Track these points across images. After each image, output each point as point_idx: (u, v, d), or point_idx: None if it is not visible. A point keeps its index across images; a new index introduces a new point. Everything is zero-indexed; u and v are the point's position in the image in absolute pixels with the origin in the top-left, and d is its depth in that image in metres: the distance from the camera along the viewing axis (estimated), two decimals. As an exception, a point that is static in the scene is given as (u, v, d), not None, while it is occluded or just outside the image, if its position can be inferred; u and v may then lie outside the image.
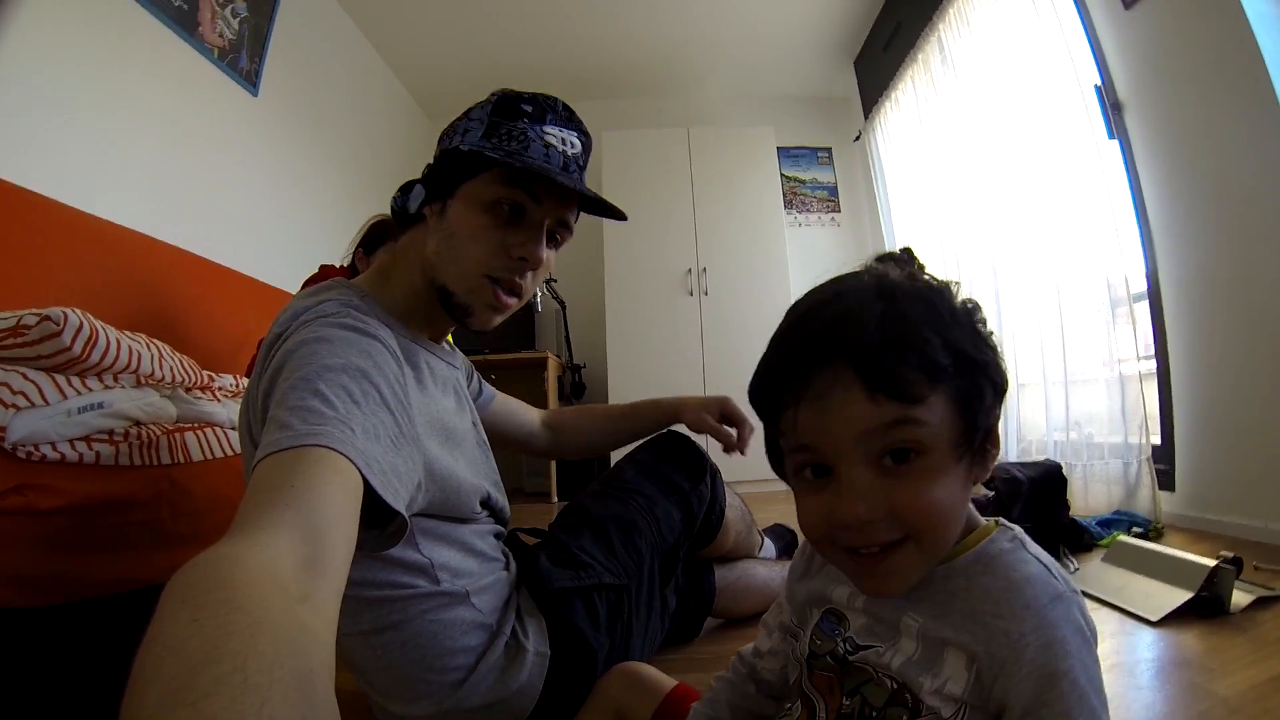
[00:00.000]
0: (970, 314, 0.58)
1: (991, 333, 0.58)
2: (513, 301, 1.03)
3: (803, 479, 0.59)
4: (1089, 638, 0.53)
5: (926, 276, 0.59)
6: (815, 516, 0.57)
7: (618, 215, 1.07)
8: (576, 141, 1.02)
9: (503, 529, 1.16)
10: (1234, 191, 2.05)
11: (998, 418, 0.58)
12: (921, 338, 0.53)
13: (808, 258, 4.78)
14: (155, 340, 1.42)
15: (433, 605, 0.96)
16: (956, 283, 0.60)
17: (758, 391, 0.61)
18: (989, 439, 0.58)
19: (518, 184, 0.96)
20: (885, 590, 0.58)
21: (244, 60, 2.96)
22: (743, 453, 1.39)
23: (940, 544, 0.56)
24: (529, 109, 0.99)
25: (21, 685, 1.07)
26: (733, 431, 1.39)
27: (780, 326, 0.61)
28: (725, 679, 0.79)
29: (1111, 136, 2.47)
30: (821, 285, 0.61)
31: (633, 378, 4.26)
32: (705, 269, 4.38)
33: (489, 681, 0.98)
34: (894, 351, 0.52)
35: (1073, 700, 0.50)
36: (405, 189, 1.04)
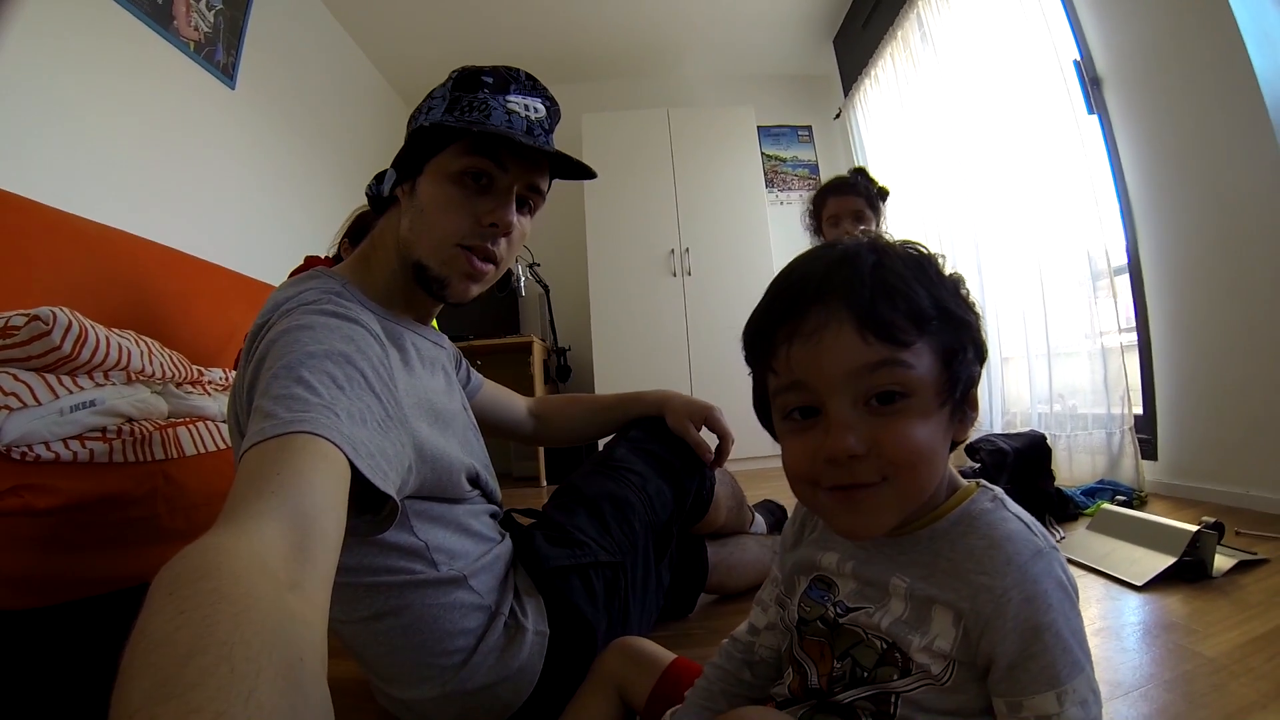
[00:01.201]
0: (956, 282, 0.61)
1: (975, 302, 0.62)
2: (489, 268, 1.03)
3: (791, 421, 0.61)
4: (1070, 592, 0.55)
5: (918, 245, 0.62)
6: (802, 456, 0.59)
7: (587, 174, 1.07)
8: (541, 107, 1.02)
9: (498, 509, 1.17)
10: (1212, 164, 2.07)
11: (977, 378, 0.61)
12: (911, 288, 0.56)
13: (790, 236, 4.74)
14: (144, 337, 1.42)
15: (430, 590, 0.96)
16: (943, 255, 0.63)
17: (754, 331, 0.63)
18: (968, 399, 0.60)
19: (482, 152, 0.97)
20: (861, 529, 0.59)
21: (220, 53, 2.92)
22: (719, 465, 1.40)
23: (917, 487, 0.58)
24: (489, 80, 0.99)
25: (24, 688, 1.07)
26: (713, 444, 1.39)
27: (778, 275, 0.63)
28: (718, 666, 0.79)
29: (1091, 111, 2.48)
30: (817, 246, 0.65)
31: (618, 359, 4.27)
32: (688, 249, 4.38)
33: (490, 662, 0.98)
34: (885, 297, 0.56)
35: (1057, 652, 0.52)
36: (379, 177, 1.05)
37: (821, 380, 0.57)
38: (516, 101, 1.00)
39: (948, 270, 0.62)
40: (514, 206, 1.02)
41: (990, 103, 3.05)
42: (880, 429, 0.55)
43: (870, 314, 0.55)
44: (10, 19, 1.66)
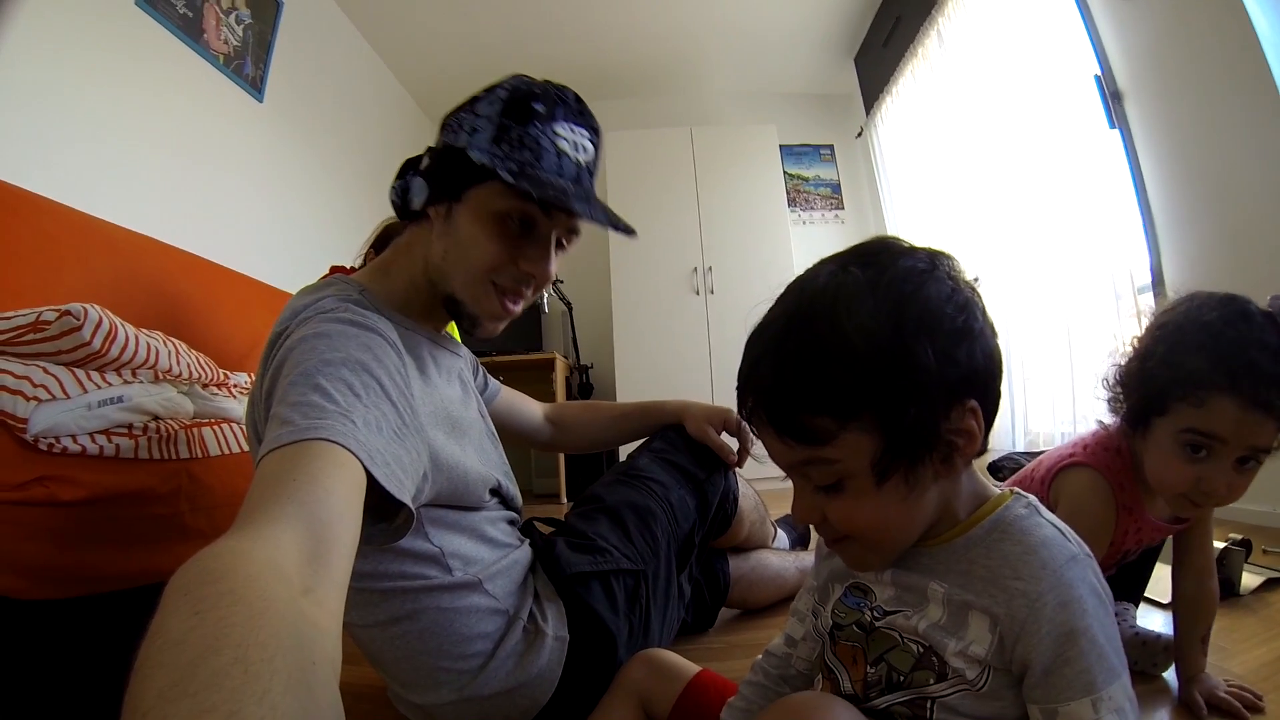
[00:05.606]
0: (931, 312, 0.55)
1: (966, 323, 0.56)
2: (518, 309, 1.03)
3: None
4: (1104, 599, 0.55)
5: (897, 270, 0.57)
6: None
7: (628, 232, 1.02)
8: (589, 145, 1.00)
9: (516, 515, 1.17)
10: (1236, 179, 2.05)
11: (962, 415, 0.56)
12: (826, 380, 0.54)
13: (812, 255, 4.68)
14: (171, 338, 1.43)
15: (445, 595, 0.96)
16: (946, 257, 0.60)
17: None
18: (935, 445, 0.56)
19: (529, 198, 0.93)
20: (855, 568, 0.66)
21: (249, 66, 2.98)
22: (739, 466, 1.39)
23: (886, 545, 0.61)
24: (540, 109, 0.95)
25: (40, 678, 1.07)
26: (734, 444, 1.38)
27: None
28: (756, 684, 0.79)
29: (1112, 126, 2.47)
30: (776, 301, 0.65)
31: (641, 377, 4.27)
32: (710, 268, 4.39)
33: (508, 667, 0.98)
34: (793, 399, 0.56)
35: (1092, 658, 0.51)
36: (404, 173, 1.03)
37: (779, 463, 0.62)
38: (566, 138, 0.96)
39: (945, 276, 0.57)
40: (553, 255, 1.00)
41: (1012, 119, 3.06)
42: (828, 507, 0.59)
43: (783, 421, 0.57)
44: (10, 16, 1.68)
